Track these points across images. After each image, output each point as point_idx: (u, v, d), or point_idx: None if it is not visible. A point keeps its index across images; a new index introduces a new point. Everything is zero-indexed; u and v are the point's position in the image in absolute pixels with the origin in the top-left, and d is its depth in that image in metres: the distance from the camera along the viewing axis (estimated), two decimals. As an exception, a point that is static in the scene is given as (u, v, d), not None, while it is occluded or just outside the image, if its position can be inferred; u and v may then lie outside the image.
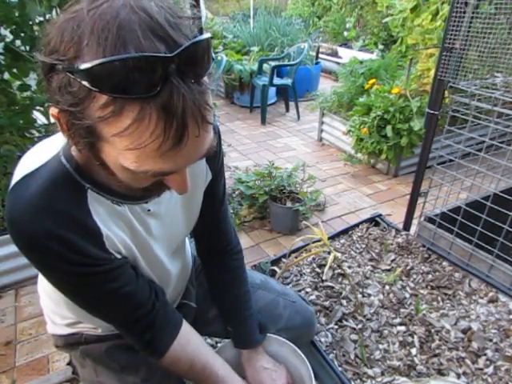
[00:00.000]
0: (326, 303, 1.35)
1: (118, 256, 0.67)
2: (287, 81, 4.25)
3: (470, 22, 1.30)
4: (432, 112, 1.53)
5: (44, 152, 0.61)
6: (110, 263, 0.65)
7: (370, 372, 1.12)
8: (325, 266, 1.48)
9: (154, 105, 0.41)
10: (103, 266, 0.63)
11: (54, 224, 0.56)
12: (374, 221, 1.85)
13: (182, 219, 0.80)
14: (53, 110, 0.47)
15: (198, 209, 0.84)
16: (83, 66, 0.40)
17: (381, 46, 5.48)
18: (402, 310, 1.33)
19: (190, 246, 1.02)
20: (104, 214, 0.63)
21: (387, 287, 1.43)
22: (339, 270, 1.51)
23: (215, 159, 0.83)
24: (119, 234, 0.66)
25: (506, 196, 1.38)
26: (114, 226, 0.64)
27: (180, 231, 0.82)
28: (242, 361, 0.95)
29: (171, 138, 0.43)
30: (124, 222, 0.66)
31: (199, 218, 0.86)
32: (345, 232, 1.78)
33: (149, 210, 0.70)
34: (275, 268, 1.50)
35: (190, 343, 0.79)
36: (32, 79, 1.62)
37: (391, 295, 1.39)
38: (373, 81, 3.22)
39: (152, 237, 0.72)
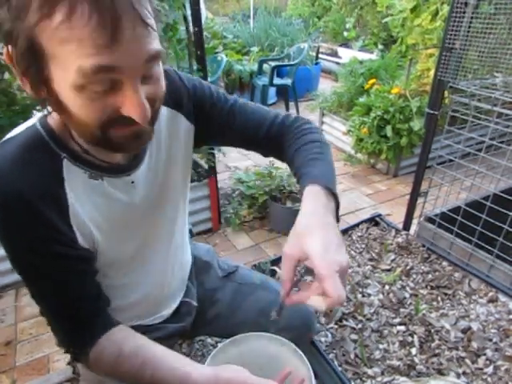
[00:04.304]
0: (326, 303, 1.35)
1: (81, 240, 0.63)
2: (287, 81, 4.26)
3: (470, 22, 1.30)
4: (432, 112, 1.53)
5: (18, 128, 0.62)
6: (71, 246, 0.62)
7: (369, 372, 1.12)
8: (325, 265, 1.47)
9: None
10: (62, 247, 0.61)
11: (24, 187, 0.56)
12: (374, 221, 1.85)
13: (173, 172, 0.77)
14: (5, 52, 0.49)
15: (187, 158, 0.81)
16: None
17: (381, 46, 5.48)
18: (401, 310, 1.33)
19: (190, 246, 1.02)
20: (78, 188, 0.62)
21: (387, 287, 1.43)
22: (339, 270, 1.51)
23: (185, 103, 0.77)
24: (92, 211, 0.64)
25: (505, 196, 1.38)
26: (87, 201, 0.63)
27: (172, 185, 0.78)
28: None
29: (106, 30, 0.44)
30: (100, 197, 0.65)
31: (233, 139, 0.83)
32: (345, 232, 1.78)
33: (132, 182, 0.69)
34: (275, 268, 1.51)
35: (117, 334, 0.70)
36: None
37: (391, 295, 1.39)
38: (373, 81, 3.23)
39: (137, 207, 0.71)
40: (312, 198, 0.63)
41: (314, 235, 0.56)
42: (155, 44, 0.51)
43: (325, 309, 0.55)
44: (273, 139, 0.82)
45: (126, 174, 0.68)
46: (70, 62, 0.46)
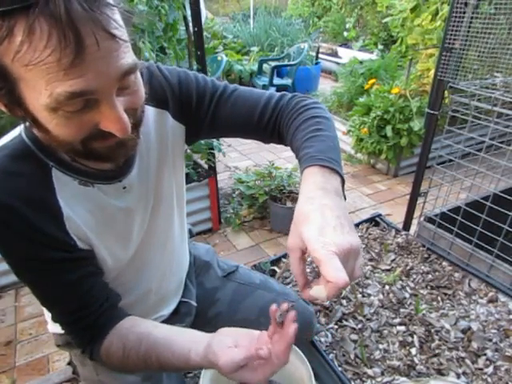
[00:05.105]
0: (326, 303, 1.35)
1: (79, 244, 0.64)
2: (287, 81, 4.26)
3: (470, 22, 1.31)
4: (432, 112, 1.53)
5: (4, 138, 0.61)
6: (70, 251, 0.62)
7: (369, 372, 1.12)
8: (325, 265, 1.47)
9: (41, 15, 0.40)
10: (61, 253, 0.61)
11: (5, 195, 0.55)
12: (374, 221, 1.85)
13: (165, 172, 0.77)
14: None
15: (177, 156, 0.79)
16: None
17: (381, 46, 5.49)
18: (401, 310, 1.33)
19: (189, 246, 1.02)
20: (69, 195, 0.61)
21: (387, 287, 1.43)
22: (339, 270, 1.51)
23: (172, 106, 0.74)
24: (85, 215, 0.64)
25: (505, 196, 1.38)
26: (79, 207, 0.63)
27: (166, 185, 0.78)
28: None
29: (69, 48, 0.42)
30: (93, 203, 0.65)
31: (231, 133, 0.80)
32: (345, 232, 1.77)
33: (124, 188, 0.68)
34: (275, 268, 1.51)
35: (122, 327, 0.70)
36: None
37: (391, 295, 1.39)
38: (373, 81, 3.23)
39: (132, 211, 0.71)
40: (307, 183, 0.59)
41: (309, 221, 0.52)
42: (128, 58, 0.48)
43: (326, 297, 0.48)
44: (268, 124, 0.76)
45: (117, 180, 0.67)
46: (39, 85, 0.45)
